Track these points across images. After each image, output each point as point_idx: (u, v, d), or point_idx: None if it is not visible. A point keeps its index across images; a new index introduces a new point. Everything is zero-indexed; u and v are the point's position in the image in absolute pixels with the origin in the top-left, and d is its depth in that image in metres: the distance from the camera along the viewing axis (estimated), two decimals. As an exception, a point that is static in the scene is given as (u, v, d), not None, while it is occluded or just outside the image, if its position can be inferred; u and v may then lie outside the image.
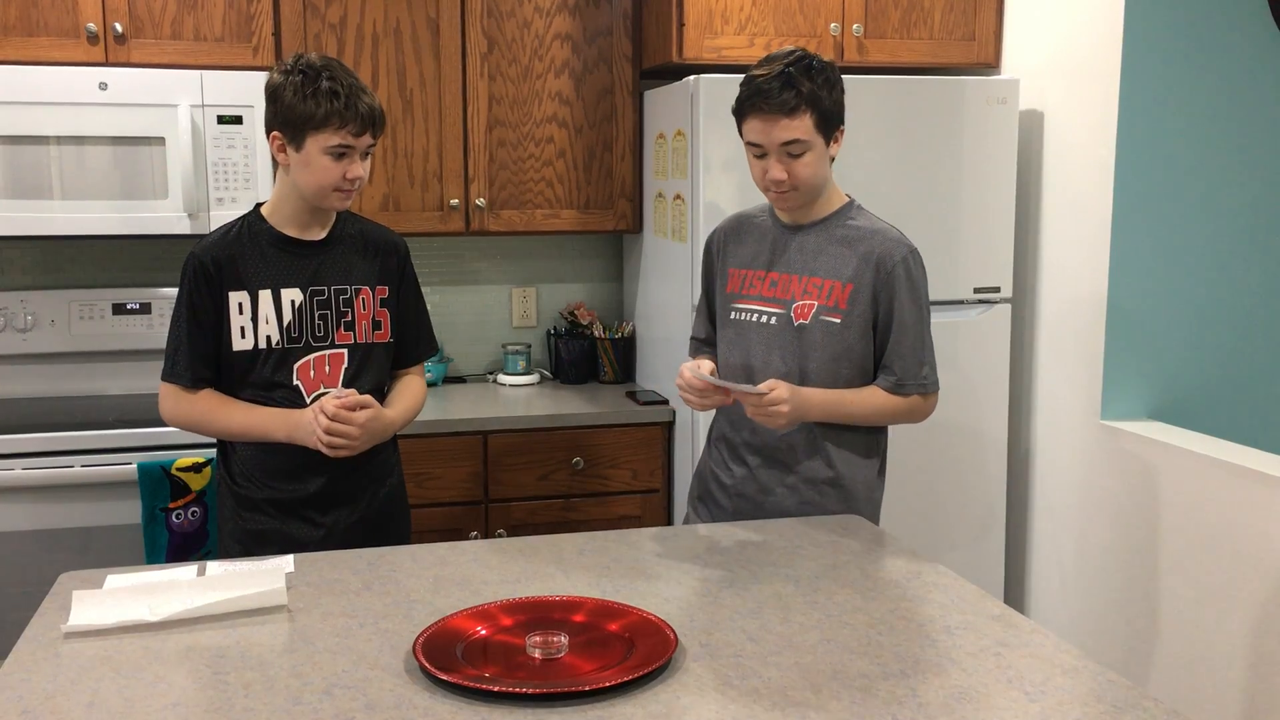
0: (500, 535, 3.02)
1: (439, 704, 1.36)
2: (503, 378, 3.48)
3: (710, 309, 2.34)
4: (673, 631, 1.52)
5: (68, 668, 1.47)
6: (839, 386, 2.14)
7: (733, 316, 2.23)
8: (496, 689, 1.36)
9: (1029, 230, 3.13)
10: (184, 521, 2.77)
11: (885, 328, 2.15)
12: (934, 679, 1.43)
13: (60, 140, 2.87)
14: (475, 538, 3.01)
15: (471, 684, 1.37)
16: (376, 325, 2.22)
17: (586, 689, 1.37)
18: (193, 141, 2.90)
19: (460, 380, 3.54)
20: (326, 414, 2.03)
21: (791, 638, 1.56)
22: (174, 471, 2.73)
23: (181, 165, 2.90)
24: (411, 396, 2.29)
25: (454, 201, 3.21)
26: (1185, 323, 2.84)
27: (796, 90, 2.02)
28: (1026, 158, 3.12)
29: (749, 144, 2.10)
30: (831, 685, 1.41)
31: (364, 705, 1.36)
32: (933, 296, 3.06)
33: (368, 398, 2.09)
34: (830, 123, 2.08)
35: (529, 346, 3.52)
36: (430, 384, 3.42)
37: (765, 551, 1.92)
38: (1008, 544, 3.22)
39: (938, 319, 3.07)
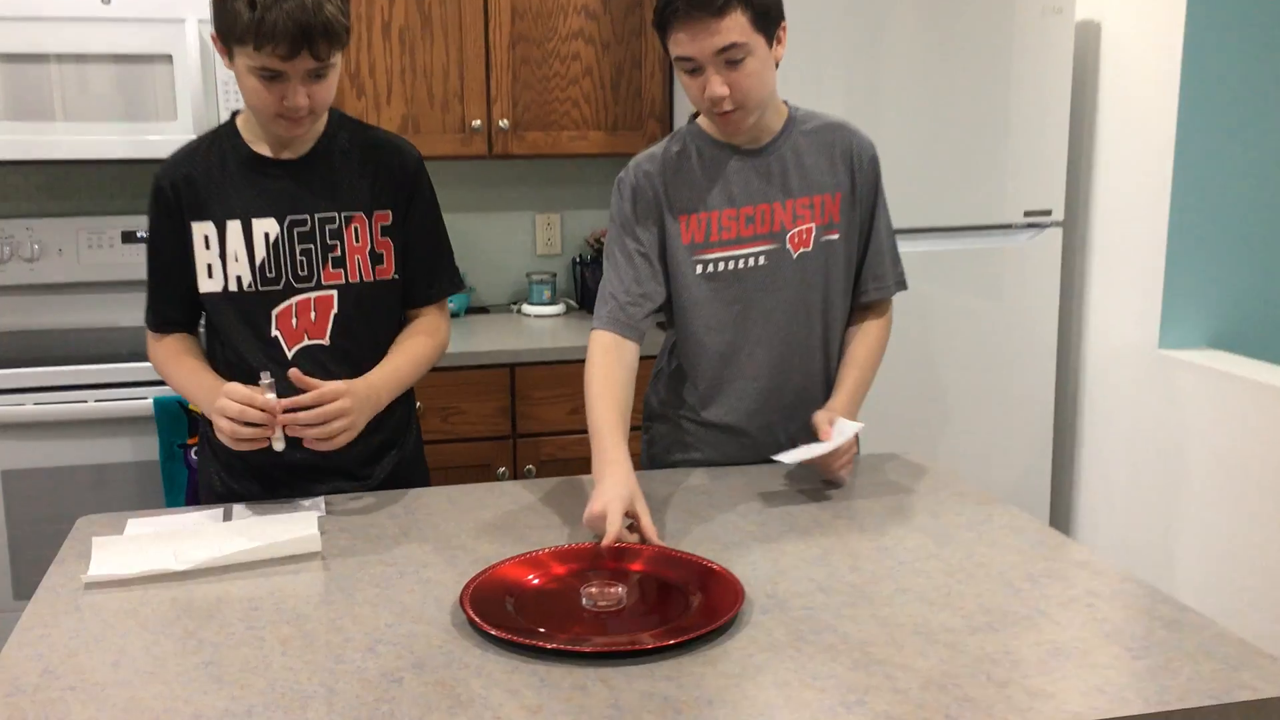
0: (529, 471, 2.92)
1: (491, 662, 1.26)
2: (527, 308, 3.35)
3: (649, 271, 1.89)
4: (738, 582, 1.42)
5: (90, 622, 1.37)
6: (849, 308, 1.96)
7: (703, 270, 1.88)
8: (552, 646, 1.26)
9: (1084, 150, 2.97)
10: (203, 458, 2.66)
11: (865, 229, 1.94)
12: (1025, 633, 1.32)
13: (62, 59, 2.72)
14: (504, 474, 2.91)
15: (527, 640, 1.27)
16: (376, 259, 1.85)
17: (652, 646, 1.26)
18: (201, 59, 2.74)
19: (483, 310, 3.42)
20: (228, 409, 1.63)
21: (864, 588, 1.45)
22: (192, 407, 2.62)
23: (190, 84, 2.75)
24: (410, 350, 1.89)
25: (476, 123, 3.06)
26: (1250, 246, 2.70)
27: None
28: (1082, 72, 2.95)
29: (679, 60, 1.76)
30: (915, 640, 1.30)
31: (412, 664, 1.26)
32: (979, 220, 2.96)
33: (327, 390, 1.68)
34: (769, 18, 1.75)
35: (554, 275, 3.38)
36: (452, 314, 3.29)
37: (821, 491, 1.81)
38: (1053, 479, 3.11)
39: (985, 244, 2.95)
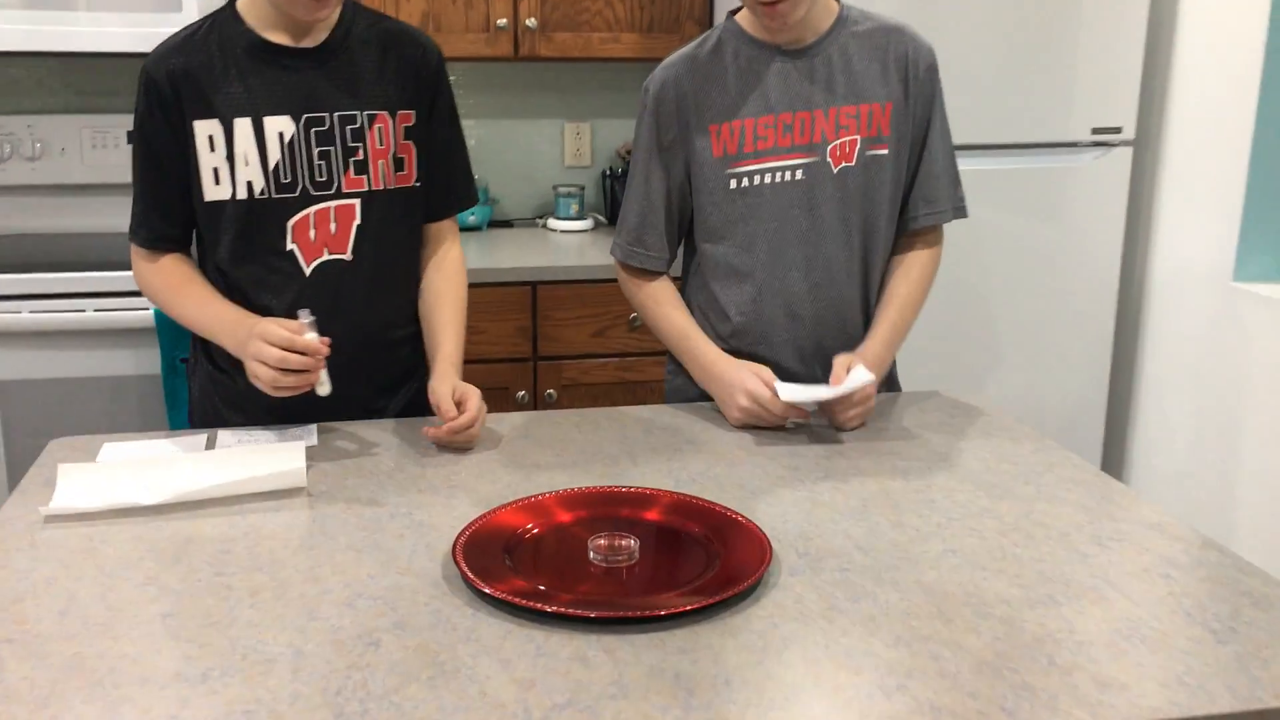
0: (550, 395, 2.77)
1: (483, 624, 1.11)
2: (553, 223, 3.17)
3: (673, 189, 1.75)
4: (766, 537, 1.26)
5: (44, 562, 1.23)
6: (893, 233, 1.77)
7: (735, 185, 1.70)
8: (552, 609, 1.11)
9: (1160, 61, 2.73)
10: (207, 374, 2.53)
11: (919, 144, 1.73)
12: (1093, 608, 1.15)
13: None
14: (524, 397, 2.76)
15: (523, 602, 1.12)
16: (398, 164, 1.68)
17: (664, 614, 1.11)
18: (206, -55, 2.55)
19: (507, 224, 3.24)
20: (267, 354, 1.46)
21: (908, 547, 1.29)
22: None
23: (194, -28, 2.56)
24: (458, 299, 1.76)
25: (501, 21, 2.85)
26: (1341, 173, 2.47)
27: None
28: (1162, -24, 2.70)
29: None
30: (964, 613, 1.14)
31: (392, 624, 1.11)
32: (1041, 138, 2.73)
33: (476, 394, 1.56)
34: None
35: (582, 189, 3.19)
36: (474, 228, 3.12)
37: (861, 433, 1.64)
38: (1108, 419, 2.92)
39: (1046, 163, 2.73)
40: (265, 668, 1.03)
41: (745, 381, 1.63)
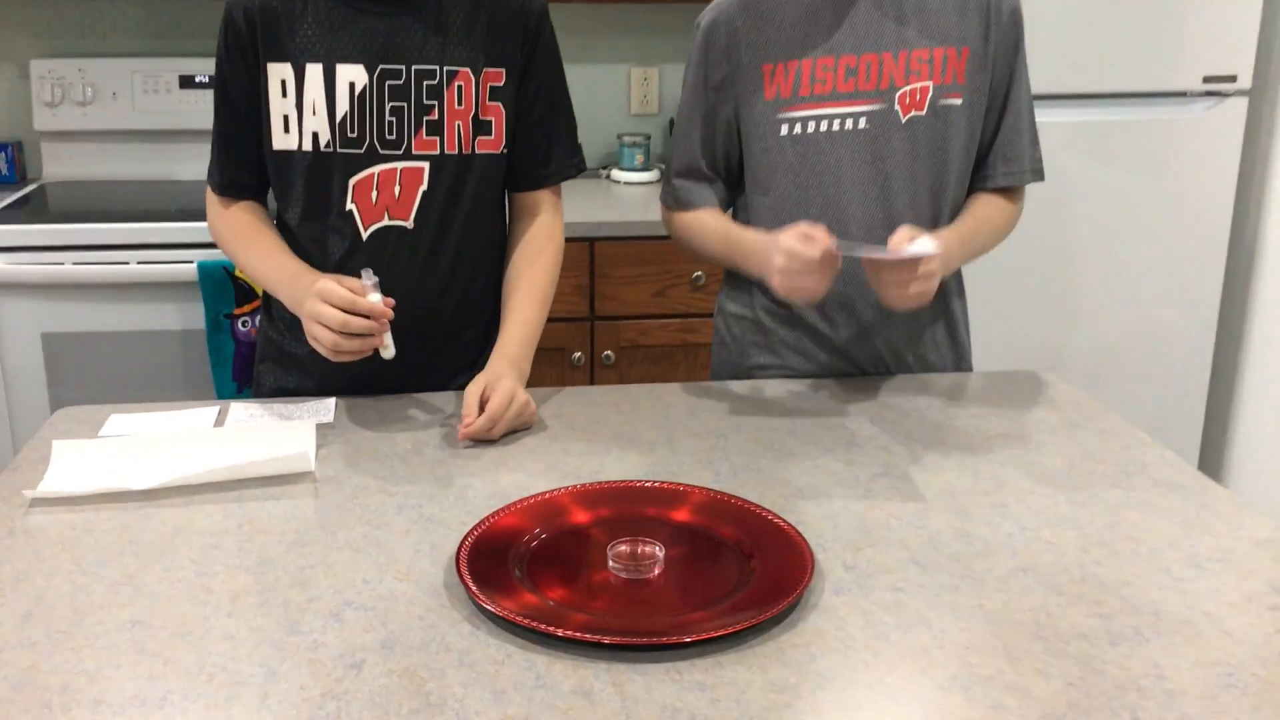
0: (607, 357, 2.64)
1: (480, 646, 0.99)
2: (617, 174, 3.02)
3: (718, 133, 1.60)
4: (809, 547, 1.11)
5: (19, 555, 1.14)
6: (965, 194, 1.60)
7: (788, 132, 1.54)
8: (562, 633, 0.98)
9: (1283, 2, 2.47)
10: (251, 330, 2.45)
11: (1000, 98, 1.56)
12: (1186, 649, 0.99)
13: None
14: (580, 359, 2.64)
15: (527, 623, 0.99)
16: (481, 128, 1.53)
17: (688, 640, 0.97)
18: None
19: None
20: (328, 316, 1.35)
21: (972, 563, 1.13)
22: (239, 274, 2.39)
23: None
24: (538, 289, 1.58)
25: (562, -41, 2.69)
26: None
27: None
28: (1291, -95, 2.44)
29: None
30: (1033, 649, 0.99)
31: (381, 641, 0.99)
32: (1147, 86, 2.49)
33: (500, 400, 1.39)
34: None
35: (649, 138, 3.03)
36: (534, 178, 2.98)
37: (927, 421, 1.48)
38: (1210, 395, 2.69)
39: (1153, 114, 2.50)
40: (231, 692, 0.92)
41: (780, 239, 1.40)
